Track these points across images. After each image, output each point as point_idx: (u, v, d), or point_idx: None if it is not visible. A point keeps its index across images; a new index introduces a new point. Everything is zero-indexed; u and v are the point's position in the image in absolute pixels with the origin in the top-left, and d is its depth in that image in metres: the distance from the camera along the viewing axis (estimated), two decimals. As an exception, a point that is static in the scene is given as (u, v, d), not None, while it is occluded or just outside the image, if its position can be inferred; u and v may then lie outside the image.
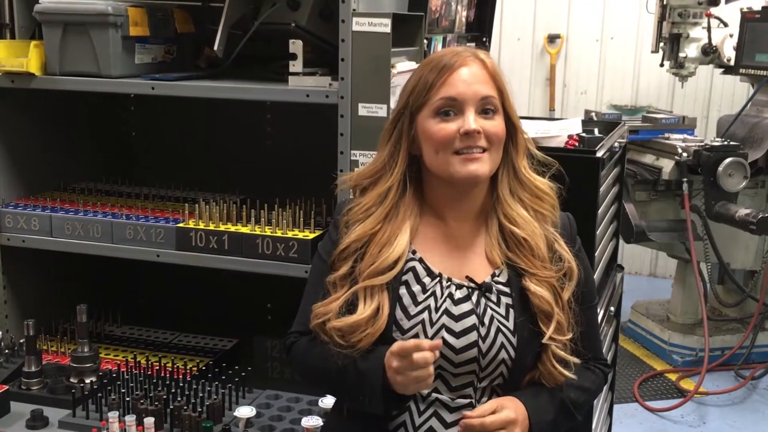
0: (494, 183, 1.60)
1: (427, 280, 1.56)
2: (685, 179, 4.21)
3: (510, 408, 1.50)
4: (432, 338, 1.52)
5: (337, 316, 1.52)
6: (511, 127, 1.58)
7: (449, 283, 1.56)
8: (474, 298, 1.55)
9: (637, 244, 4.56)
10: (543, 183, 1.61)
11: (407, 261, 1.57)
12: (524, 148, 1.60)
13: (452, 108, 1.52)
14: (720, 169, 4.07)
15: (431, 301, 1.54)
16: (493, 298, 1.55)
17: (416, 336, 1.52)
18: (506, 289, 1.56)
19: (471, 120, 1.50)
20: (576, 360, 1.56)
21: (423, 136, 1.55)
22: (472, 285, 1.55)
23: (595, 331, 1.71)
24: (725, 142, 4.27)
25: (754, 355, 4.56)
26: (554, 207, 1.62)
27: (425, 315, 1.53)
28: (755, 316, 4.44)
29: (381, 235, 1.56)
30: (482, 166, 1.52)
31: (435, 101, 1.52)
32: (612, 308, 2.75)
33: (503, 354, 1.53)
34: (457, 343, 1.52)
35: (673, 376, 4.50)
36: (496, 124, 1.53)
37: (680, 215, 4.39)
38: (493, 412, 1.48)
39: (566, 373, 1.55)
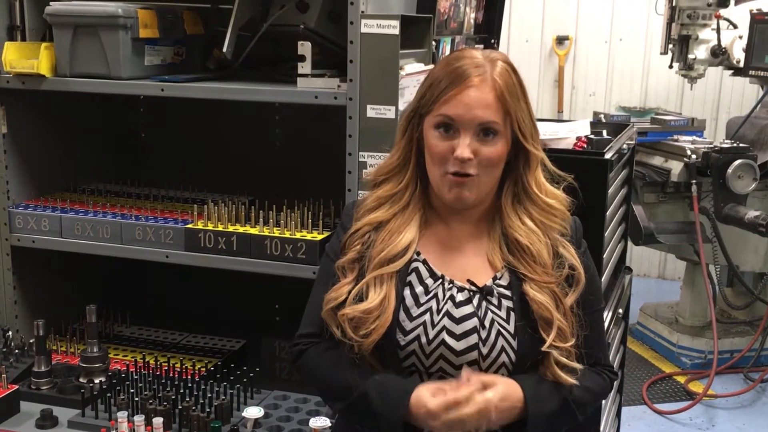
0: (500, 192, 1.60)
1: (429, 281, 1.57)
2: (694, 181, 4.19)
3: (497, 391, 1.47)
4: (432, 339, 1.53)
5: (349, 305, 1.53)
6: (521, 146, 1.55)
7: (451, 285, 1.57)
8: (475, 301, 1.55)
9: (646, 246, 4.55)
10: (555, 198, 1.59)
11: (412, 261, 1.57)
12: (537, 164, 1.58)
13: (450, 126, 1.52)
14: (729, 171, 4.06)
15: (433, 303, 1.55)
16: (494, 301, 1.55)
17: (417, 338, 1.53)
18: (507, 293, 1.56)
19: (463, 146, 1.49)
20: (579, 366, 1.56)
21: (425, 142, 1.56)
22: (474, 288, 1.56)
23: (600, 336, 1.69)
24: (734, 144, 4.25)
25: (764, 357, 4.54)
26: (565, 220, 1.61)
27: (427, 317, 1.54)
28: (764, 319, 4.41)
29: (392, 224, 1.58)
30: (470, 191, 1.52)
31: (436, 114, 1.52)
32: (620, 310, 2.75)
33: (504, 357, 1.53)
34: (458, 345, 1.53)
35: (681, 379, 4.49)
36: (493, 150, 1.51)
37: (689, 217, 4.38)
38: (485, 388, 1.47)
39: (569, 378, 1.54)
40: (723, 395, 4.26)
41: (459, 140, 1.50)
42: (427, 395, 1.48)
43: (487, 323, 1.53)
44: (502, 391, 1.49)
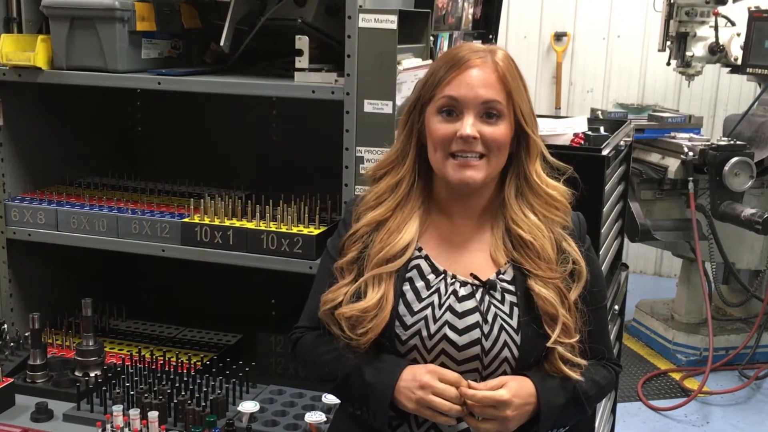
0: (502, 185, 1.59)
1: (431, 276, 1.57)
2: (690, 178, 4.20)
3: (510, 388, 1.48)
4: (434, 334, 1.52)
5: (347, 304, 1.53)
6: (522, 132, 1.55)
7: (454, 280, 1.56)
8: (478, 295, 1.54)
9: (642, 242, 4.56)
10: (556, 189, 1.59)
11: (413, 258, 1.57)
12: (537, 154, 1.58)
13: (454, 108, 1.52)
14: (726, 168, 4.06)
15: (435, 298, 1.55)
16: (498, 296, 1.55)
17: (418, 332, 1.53)
18: (511, 288, 1.56)
19: (467, 125, 1.49)
20: (583, 362, 1.56)
21: (427, 130, 1.56)
22: (477, 282, 1.55)
23: (605, 332, 1.70)
24: (731, 142, 4.26)
25: (759, 355, 4.55)
26: (566, 213, 1.61)
27: (428, 311, 1.53)
28: (760, 316, 4.43)
29: (391, 222, 1.57)
30: (476, 173, 1.51)
31: (439, 98, 1.53)
32: (616, 307, 2.76)
33: (506, 352, 1.52)
34: (460, 340, 1.52)
35: (676, 376, 4.50)
36: (496, 130, 1.51)
37: (685, 214, 4.38)
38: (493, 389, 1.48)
39: (573, 374, 1.54)
40: (718, 392, 4.27)
41: (462, 121, 1.50)
42: (422, 368, 1.49)
43: (489, 318, 1.53)
44: (515, 387, 1.49)
